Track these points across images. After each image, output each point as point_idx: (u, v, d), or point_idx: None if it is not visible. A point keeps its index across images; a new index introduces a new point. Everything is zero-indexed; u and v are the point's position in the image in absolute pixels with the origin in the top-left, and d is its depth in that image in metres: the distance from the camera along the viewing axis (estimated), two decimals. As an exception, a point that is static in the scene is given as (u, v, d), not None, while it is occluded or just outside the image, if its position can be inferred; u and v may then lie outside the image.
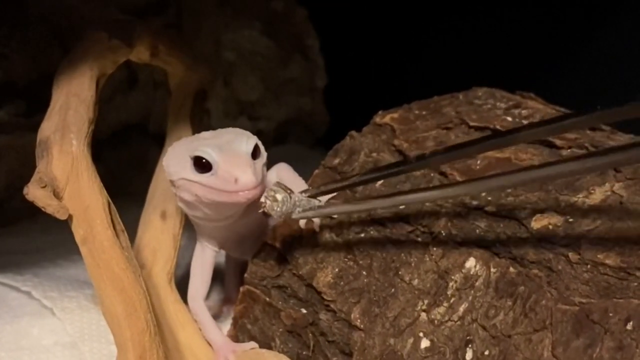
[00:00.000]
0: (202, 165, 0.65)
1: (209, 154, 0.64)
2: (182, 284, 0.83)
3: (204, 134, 0.71)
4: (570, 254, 0.57)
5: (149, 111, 1.20)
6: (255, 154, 0.66)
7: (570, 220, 0.59)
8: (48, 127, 0.65)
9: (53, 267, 0.88)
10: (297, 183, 0.73)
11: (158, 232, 0.75)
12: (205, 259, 0.76)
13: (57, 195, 0.62)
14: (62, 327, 0.76)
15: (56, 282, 0.81)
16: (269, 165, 0.75)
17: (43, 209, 0.61)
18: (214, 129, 1.29)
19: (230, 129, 0.70)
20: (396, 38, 1.39)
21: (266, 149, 1.39)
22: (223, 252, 0.80)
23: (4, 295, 0.81)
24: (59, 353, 0.75)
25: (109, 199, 0.65)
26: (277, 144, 1.46)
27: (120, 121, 1.17)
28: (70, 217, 0.62)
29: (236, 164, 0.63)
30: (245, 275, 0.73)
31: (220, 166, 0.64)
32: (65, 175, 0.63)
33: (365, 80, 1.41)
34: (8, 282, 0.82)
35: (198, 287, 0.74)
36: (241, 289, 0.72)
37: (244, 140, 0.66)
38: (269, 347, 0.69)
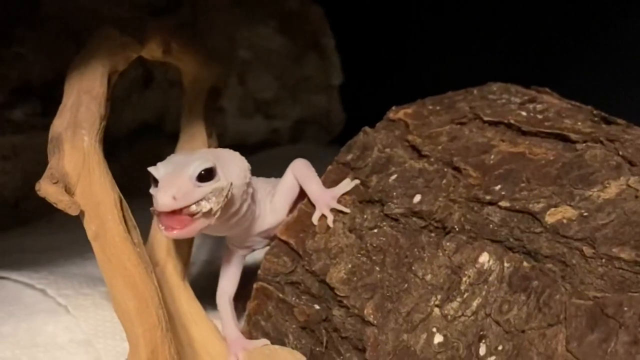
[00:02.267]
0: (155, 180, 0.66)
1: (157, 171, 0.65)
2: (197, 281, 0.83)
3: (200, 151, 0.73)
4: (585, 248, 0.57)
5: (165, 110, 1.20)
6: (207, 177, 0.65)
7: (585, 214, 0.59)
8: (60, 124, 0.65)
9: (69, 265, 0.88)
10: (310, 180, 0.73)
11: (171, 229, 0.74)
12: (230, 257, 0.77)
13: (68, 192, 0.62)
14: (77, 324, 0.76)
15: (71, 280, 0.82)
16: (286, 164, 0.76)
17: (55, 205, 0.61)
18: (229, 127, 1.30)
19: (225, 153, 0.71)
20: (412, 35, 1.38)
21: (282, 147, 1.40)
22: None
23: (19, 293, 0.81)
24: (73, 350, 0.75)
25: (121, 195, 0.65)
26: (292, 143, 1.46)
27: (136, 120, 1.17)
28: (82, 213, 0.62)
29: (164, 184, 0.64)
30: (259, 271, 0.72)
31: (159, 183, 0.65)
32: (77, 171, 0.63)
33: (381, 78, 1.40)
34: (23, 280, 0.82)
35: (224, 285, 0.76)
36: (255, 285, 0.72)
37: (195, 164, 0.65)
38: (283, 344, 0.69)
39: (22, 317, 0.77)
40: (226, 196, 0.66)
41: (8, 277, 0.84)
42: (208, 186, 0.65)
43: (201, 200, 0.65)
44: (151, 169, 0.66)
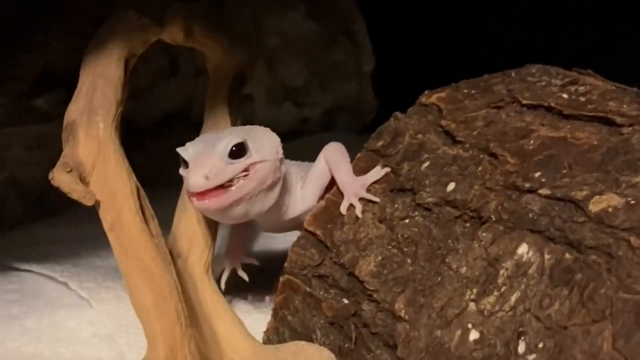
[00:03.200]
0: (184, 161, 0.66)
1: (186, 152, 0.66)
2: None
3: (229, 128, 0.75)
4: (632, 239, 0.53)
5: (191, 98, 1.21)
6: (238, 154, 0.65)
7: (632, 202, 0.56)
8: (74, 110, 0.64)
9: (93, 257, 0.88)
10: (339, 167, 0.72)
11: (194, 220, 0.73)
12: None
13: (83, 181, 0.61)
14: (99, 318, 0.76)
15: (94, 273, 0.82)
16: (317, 153, 0.75)
17: (69, 195, 0.60)
18: (258, 115, 1.30)
19: (255, 128, 0.71)
20: (445, 17, 1.36)
21: (312, 136, 1.40)
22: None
23: (41, 286, 0.82)
24: (96, 345, 0.75)
25: (138, 184, 0.64)
26: (323, 131, 1.46)
27: (162, 109, 1.18)
28: (97, 202, 0.61)
29: (195, 164, 0.64)
30: (285, 264, 0.71)
31: (189, 165, 0.65)
32: (92, 159, 0.62)
33: (414, 63, 1.39)
34: (46, 273, 0.83)
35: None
36: (281, 278, 0.71)
37: (225, 140, 0.65)
38: (310, 340, 0.67)
39: (44, 311, 0.78)
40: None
41: (31, 270, 0.84)
42: (240, 163, 0.65)
43: (234, 178, 0.65)
44: (180, 150, 0.66)
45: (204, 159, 0.64)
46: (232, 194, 0.65)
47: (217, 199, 0.64)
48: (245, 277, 0.80)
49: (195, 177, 0.63)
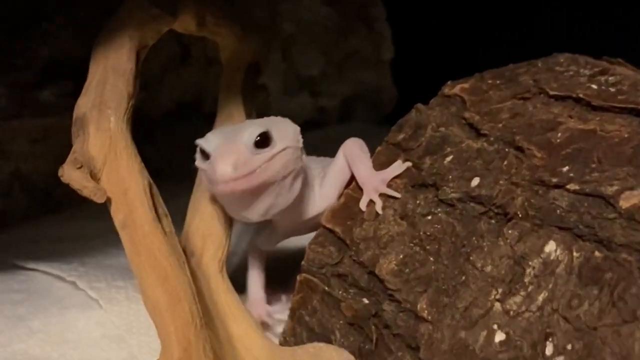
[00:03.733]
0: (204, 153, 0.66)
1: (208, 143, 0.65)
2: (238, 273, 0.81)
3: (248, 120, 0.74)
4: None
5: (203, 89, 1.20)
6: (263, 144, 0.65)
7: None
8: (84, 104, 0.63)
9: (102, 256, 0.87)
10: (359, 162, 0.71)
11: (208, 217, 0.71)
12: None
13: (94, 177, 0.60)
14: (109, 319, 0.75)
15: (103, 272, 0.81)
16: (334, 145, 0.74)
17: (79, 192, 0.59)
18: (273, 105, 1.29)
19: (274, 118, 0.71)
20: (468, 3, 1.34)
21: (330, 127, 1.38)
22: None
23: (49, 286, 0.81)
24: (106, 346, 0.74)
25: (151, 181, 0.63)
26: (341, 122, 1.45)
27: (173, 100, 1.17)
28: (108, 200, 0.60)
29: (222, 154, 0.64)
30: (303, 262, 0.70)
31: (213, 155, 0.64)
32: (103, 154, 0.61)
33: (436, 52, 1.38)
34: (53, 272, 0.82)
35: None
36: (298, 277, 0.70)
37: (249, 130, 0.65)
38: (329, 341, 0.66)
39: (52, 312, 0.77)
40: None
41: (37, 269, 0.83)
42: (266, 153, 0.65)
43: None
44: (200, 142, 0.66)
45: (230, 148, 0.63)
46: (257, 175, 0.64)
47: (243, 181, 0.63)
48: (275, 323, 0.79)
49: (222, 166, 0.62)
